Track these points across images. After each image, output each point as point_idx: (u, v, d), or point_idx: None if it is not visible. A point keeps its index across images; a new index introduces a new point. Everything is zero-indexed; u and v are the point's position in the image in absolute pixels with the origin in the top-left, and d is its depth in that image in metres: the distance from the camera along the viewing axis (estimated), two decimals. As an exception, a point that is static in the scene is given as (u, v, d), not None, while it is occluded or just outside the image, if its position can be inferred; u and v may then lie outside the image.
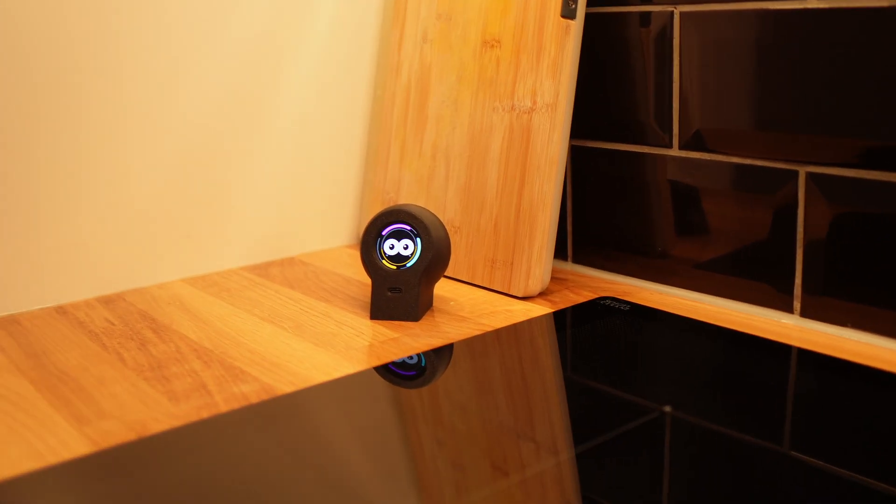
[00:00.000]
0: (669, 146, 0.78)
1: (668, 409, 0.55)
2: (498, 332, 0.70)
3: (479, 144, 0.83)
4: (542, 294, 0.80)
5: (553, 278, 0.85)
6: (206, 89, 0.87)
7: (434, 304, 0.78)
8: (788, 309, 0.71)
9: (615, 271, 0.85)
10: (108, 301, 0.81)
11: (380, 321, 0.74)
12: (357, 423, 0.55)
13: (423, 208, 0.75)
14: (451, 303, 0.78)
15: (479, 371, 0.64)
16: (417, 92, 0.90)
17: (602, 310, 0.75)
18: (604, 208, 0.85)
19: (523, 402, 0.58)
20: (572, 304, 0.77)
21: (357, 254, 0.99)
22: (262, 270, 0.91)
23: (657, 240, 0.81)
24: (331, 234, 1.00)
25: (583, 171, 0.86)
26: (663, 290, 0.81)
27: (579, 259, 0.88)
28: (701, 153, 0.76)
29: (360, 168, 1.02)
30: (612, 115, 0.83)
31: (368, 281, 0.86)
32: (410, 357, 0.66)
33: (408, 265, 0.73)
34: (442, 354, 0.66)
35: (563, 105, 0.76)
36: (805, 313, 0.70)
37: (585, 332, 0.71)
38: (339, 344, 0.69)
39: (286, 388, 0.60)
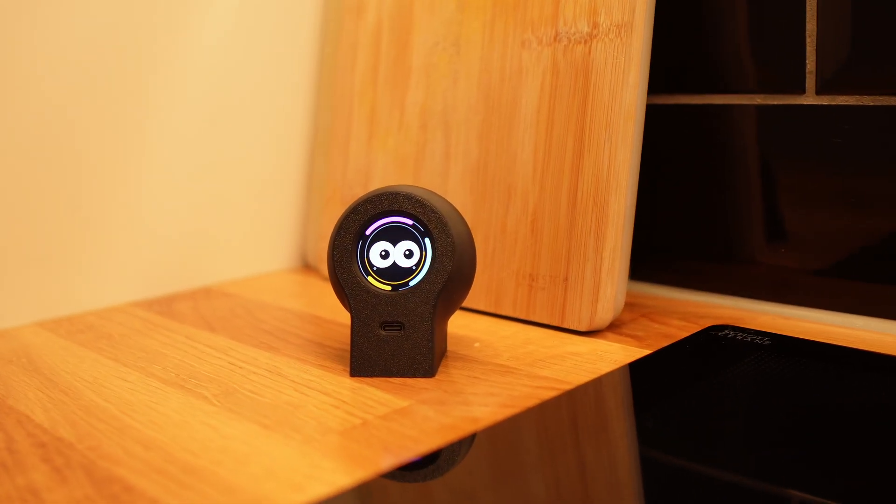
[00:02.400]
0: (801, 90, 0.51)
1: None
2: (572, 395, 0.41)
3: (499, 101, 0.54)
4: (612, 326, 0.52)
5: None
6: (51, 62, 0.56)
7: (448, 346, 0.49)
8: None
9: (700, 288, 0.57)
10: None
11: (368, 379, 0.44)
12: None
13: (431, 192, 0.46)
14: (476, 345, 0.49)
15: (571, 472, 0.34)
16: (393, 35, 0.61)
17: (728, 347, 0.46)
18: (683, 196, 0.57)
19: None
20: (668, 338, 0.49)
21: (307, 279, 0.68)
22: (164, 307, 0.60)
23: (765, 239, 0.53)
24: (263, 255, 0.70)
25: (651, 140, 0.58)
26: (785, 311, 0.53)
27: (644, 272, 0.60)
28: (857, 96, 0.49)
29: (304, 157, 0.71)
30: (701, 50, 0.56)
31: (330, 316, 0.56)
32: (438, 454, 0.36)
33: (412, 283, 0.44)
34: (497, 439, 0.37)
35: (641, 26, 0.48)
36: None
37: (729, 389, 0.42)
38: (306, 426, 0.38)
39: (220, 527, 0.30)
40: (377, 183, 0.62)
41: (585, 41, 0.50)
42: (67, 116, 0.57)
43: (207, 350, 0.50)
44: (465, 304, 0.56)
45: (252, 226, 0.69)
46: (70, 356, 0.50)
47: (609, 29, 0.49)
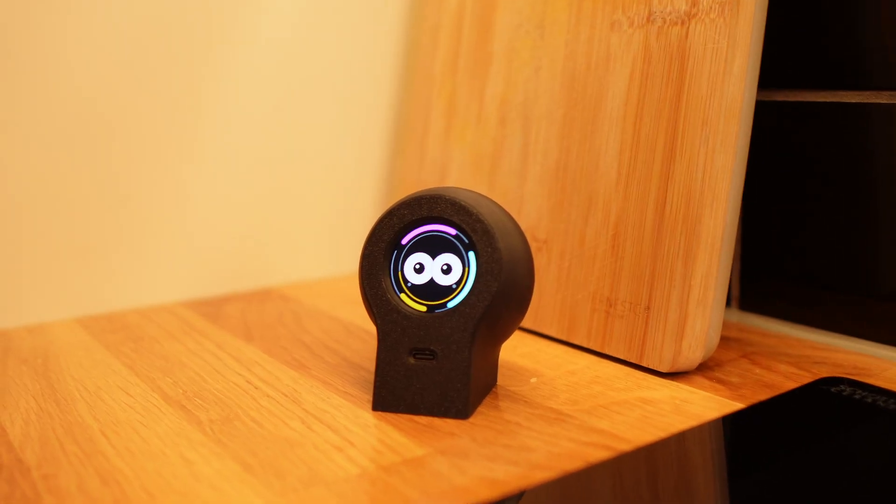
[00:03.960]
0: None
1: None
2: (628, 460, 0.33)
3: (583, 92, 0.46)
4: (703, 367, 0.43)
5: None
6: (100, 47, 0.52)
7: (499, 380, 0.41)
8: None
9: (819, 325, 0.47)
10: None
11: (390, 415, 0.37)
12: None
13: (482, 196, 0.39)
14: (533, 380, 0.41)
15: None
16: (476, 15, 0.54)
17: (843, 407, 0.37)
18: (800, 211, 0.48)
19: None
20: (770, 389, 0.40)
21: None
22: (213, 308, 0.55)
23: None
24: (332, 256, 0.64)
25: (760, 143, 0.49)
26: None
27: (750, 301, 0.50)
28: None
29: (384, 150, 0.65)
30: (830, 36, 0.46)
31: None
32: (446, 516, 0.29)
33: (451, 304, 0.37)
34: (518, 508, 0.29)
35: (750, 3, 0.39)
36: None
37: (841, 465, 0.33)
38: (293, 471, 0.32)
39: None
40: (452, 181, 0.55)
41: (682, 22, 0.41)
42: (117, 102, 0.53)
43: (230, 363, 0.44)
44: (536, 328, 0.48)
45: (322, 224, 0.63)
46: (86, 359, 0.45)
47: (711, 7, 0.40)
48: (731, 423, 0.36)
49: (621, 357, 0.43)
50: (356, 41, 0.62)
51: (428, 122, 0.58)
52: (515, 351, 0.45)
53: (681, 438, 0.35)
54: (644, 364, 0.42)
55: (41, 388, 0.41)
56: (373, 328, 0.50)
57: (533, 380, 0.41)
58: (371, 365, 0.44)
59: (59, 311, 0.53)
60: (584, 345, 0.45)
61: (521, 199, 0.49)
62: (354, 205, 0.64)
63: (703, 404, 0.38)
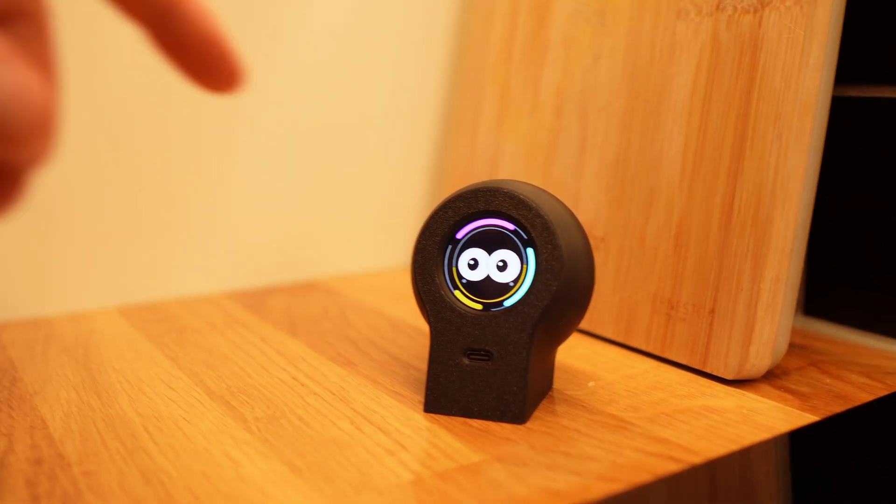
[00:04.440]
0: None
1: None
2: (699, 473, 0.31)
3: (646, 83, 0.44)
4: (769, 375, 0.41)
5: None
6: None
7: (555, 383, 0.40)
8: None
9: (891, 333, 0.45)
10: (-42, 342, 0.45)
11: (445, 417, 0.35)
12: None
13: (541, 189, 0.37)
14: (591, 384, 0.40)
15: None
16: (531, 5, 0.52)
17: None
18: (878, 212, 0.45)
19: None
20: (843, 401, 0.37)
21: (420, 281, 0.61)
22: (257, 300, 0.54)
23: None
24: (381, 249, 0.62)
25: (836, 141, 0.47)
26: None
27: (821, 307, 0.48)
28: None
29: (433, 139, 0.63)
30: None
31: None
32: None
33: (508, 303, 0.35)
34: (582, 523, 0.28)
35: (835, -6, 0.37)
36: None
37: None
38: (343, 475, 0.30)
39: None
40: (504, 174, 0.53)
41: (755, 10, 0.39)
42: (160, 88, 0.51)
43: (276, 358, 0.43)
44: (592, 329, 0.46)
45: (368, 215, 0.61)
46: (129, 350, 0.44)
47: (791, -6, 0.38)
48: (805, 436, 0.34)
49: (683, 362, 0.41)
50: (408, 28, 0.60)
51: (480, 112, 0.56)
52: (571, 353, 0.43)
53: (752, 451, 0.33)
54: (707, 370, 0.40)
55: (82, 379, 0.40)
56: (421, 325, 0.49)
57: (591, 384, 0.39)
58: (421, 364, 0.42)
59: (100, 300, 0.52)
60: (643, 348, 0.43)
61: (577, 193, 0.47)
62: (402, 196, 0.62)
63: (773, 415, 0.36)
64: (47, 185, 0.49)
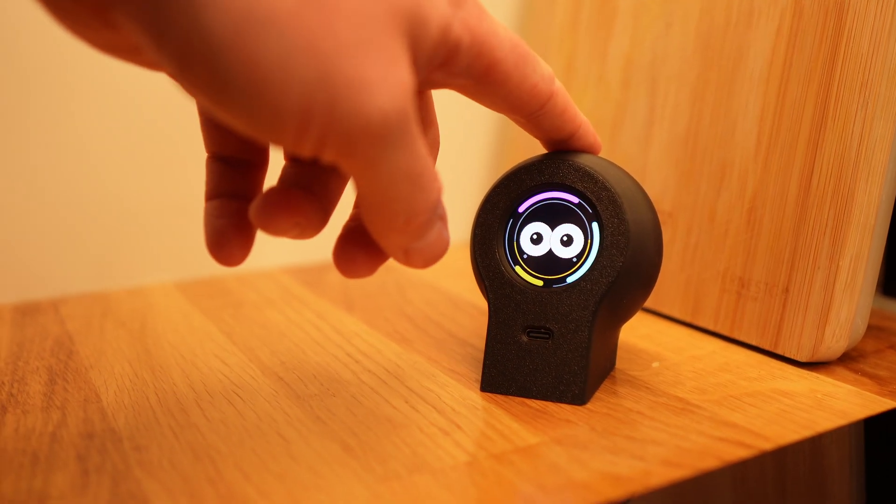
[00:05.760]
0: None
1: None
2: (770, 460, 0.29)
3: (720, 51, 0.42)
4: (844, 358, 0.38)
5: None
6: None
7: (617, 363, 0.38)
8: None
9: (982, 318, 0.42)
10: (26, 311, 0.45)
11: (500, 397, 0.34)
12: None
13: (608, 161, 0.35)
14: (655, 364, 0.38)
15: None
16: (600, -29, 0.50)
17: None
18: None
19: None
20: (926, 387, 0.35)
21: (480, 258, 0.59)
22: (314, 276, 0.53)
23: None
24: (440, 224, 0.61)
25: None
26: None
27: (902, 289, 0.46)
28: None
29: (493, 112, 0.62)
30: None
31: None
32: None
33: (571, 279, 0.33)
34: (646, 511, 0.26)
35: (927, -49, 0.34)
36: None
37: None
38: (396, 455, 0.29)
39: None
40: (568, 150, 0.51)
41: (843, -29, 0.36)
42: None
43: (331, 334, 0.42)
44: (657, 307, 0.44)
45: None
46: (185, 325, 0.44)
47: (878, -47, 0.35)
48: (884, 423, 0.32)
49: (753, 343, 0.39)
50: (468, -1, 0.59)
51: (543, 85, 0.54)
52: (634, 332, 0.42)
53: (828, 437, 0.31)
54: (779, 352, 0.38)
55: (137, 353, 0.40)
56: (481, 302, 0.47)
57: (655, 364, 0.38)
58: (479, 342, 0.41)
59: (158, 274, 0.52)
60: (711, 328, 0.41)
61: (644, 167, 0.45)
62: (463, 168, 0.61)
63: (849, 399, 0.34)
64: (105, 162, 0.48)
